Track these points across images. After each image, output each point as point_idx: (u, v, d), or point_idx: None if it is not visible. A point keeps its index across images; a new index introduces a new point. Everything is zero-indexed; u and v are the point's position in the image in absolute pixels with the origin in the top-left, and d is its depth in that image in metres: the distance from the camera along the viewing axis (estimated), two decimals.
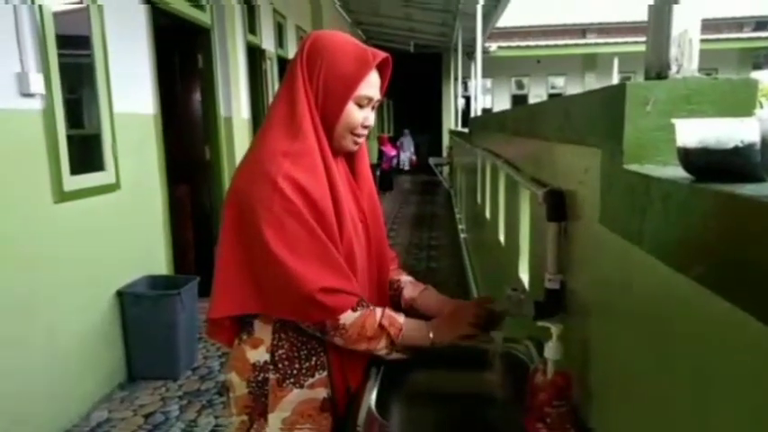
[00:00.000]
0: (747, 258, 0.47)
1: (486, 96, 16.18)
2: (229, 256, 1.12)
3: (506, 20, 11.17)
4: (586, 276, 1.03)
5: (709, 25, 13.29)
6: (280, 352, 1.14)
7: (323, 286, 1.05)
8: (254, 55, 5.38)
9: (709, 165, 0.60)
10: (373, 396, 1.18)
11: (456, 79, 12.14)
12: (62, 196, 2.59)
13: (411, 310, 1.31)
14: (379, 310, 1.13)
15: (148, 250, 3.46)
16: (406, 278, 1.40)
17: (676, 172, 0.66)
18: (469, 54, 11.55)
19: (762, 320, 0.44)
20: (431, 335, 1.17)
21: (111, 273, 3.04)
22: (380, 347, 1.14)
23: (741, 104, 0.74)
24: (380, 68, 1.19)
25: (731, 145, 0.59)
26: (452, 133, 10.60)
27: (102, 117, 2.98)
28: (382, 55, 1.16)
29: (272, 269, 1.06)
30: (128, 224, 3.20)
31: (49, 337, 2.55)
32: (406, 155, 15.87)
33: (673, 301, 0.65)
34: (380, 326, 1.12)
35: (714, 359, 0.56)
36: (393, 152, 13.27)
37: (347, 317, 1.09)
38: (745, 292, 0.47)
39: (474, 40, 7.47)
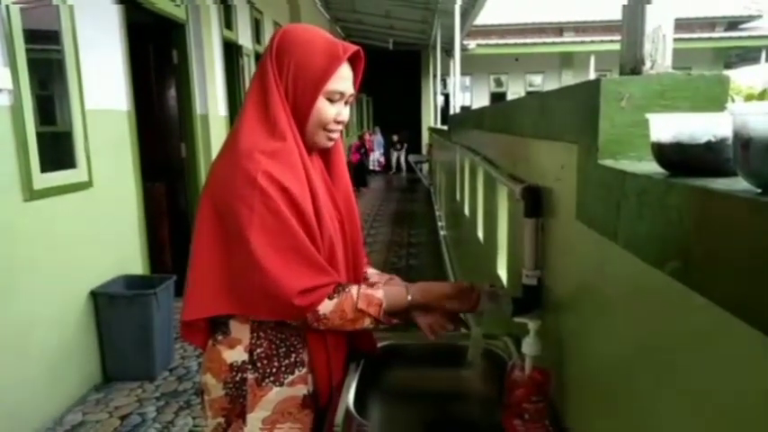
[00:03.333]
0: (720, 253, 0.47)
1: (465, 94, 16.25)
2: (204, 256, 1.10)
3: (485, 18, 11.23)
4: (563, 272, 1.04)
5: (681, 24, 13.53)
6: (258, 351, 1.13)
7: (301, 289, 1.04)
8: (231, 51, 5.31)
9: (683, 159, 0.61)
10: (351, 395, 1.18)
11: (435, 77, 12.16)
12: (32, 194, 2.52)
13: None
14: (354, 291, 1.12)
15: (123, 249, 3.39)
16: (372, 270, 1.39)
17: (651, 167, 0.66)
18: (448, 51, 11.60)
19: (736, 315, 0.44)
20: (408, 296, 1.17)
21: (84, 273, 2.97)
22: (366, 325, 1.13)
23: (714, 100, 0.74)
24: (353, 62, 1.17)
25: (704, 140, 0.60)
26: (432, 131, 10.62)
27: (73, 114, 2.90)
28: (353, 48, 1.14)
29: (252, 270, 1.04)
30: (102, 223, 3.13)
31: (20, 339, 2.48)
32: (375, 155, 14.91)
33: (649, 297, 0.65)
34: (359, 310, 1.11)
35: (689, 354, 0.56)
36: (357, 155, 12.71)
37: (325, 306, 1.08)
38: (718, 286, 0.47)
39: (453, 37, 7.49)
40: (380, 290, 1.15)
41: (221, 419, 1.15)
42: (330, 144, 1.19)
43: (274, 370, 1.13)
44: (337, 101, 1.14)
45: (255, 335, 1.13)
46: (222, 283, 1.08)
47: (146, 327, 3.03)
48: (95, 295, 3.01)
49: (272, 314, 1.10)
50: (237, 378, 1.13)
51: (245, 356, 1.13)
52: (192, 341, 1.21)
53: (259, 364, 1.12)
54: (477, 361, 1.25)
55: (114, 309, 3.02)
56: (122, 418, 2.73)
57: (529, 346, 1.02)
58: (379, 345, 1.38)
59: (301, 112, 1.11)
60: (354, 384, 1.22)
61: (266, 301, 1.06)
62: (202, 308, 1.12)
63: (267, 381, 1.12)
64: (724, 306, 0.46)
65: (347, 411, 1.12)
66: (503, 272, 1.90)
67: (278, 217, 1.03)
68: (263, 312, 1.09)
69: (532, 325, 1.04)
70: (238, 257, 1.05)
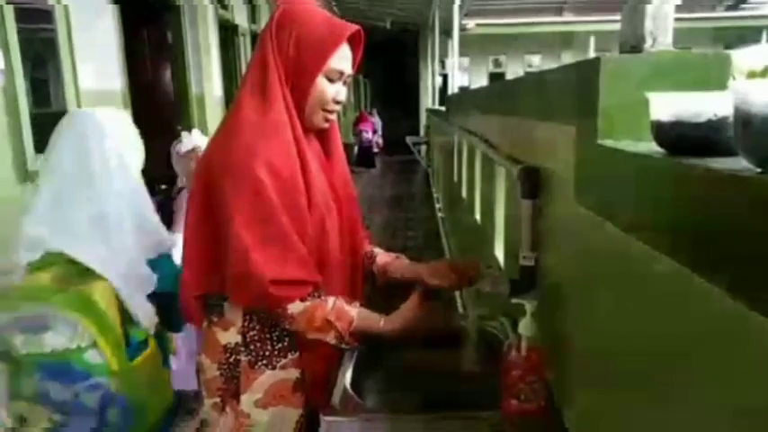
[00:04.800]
0: (719, 233, 0.46)
1: (464, 74, 16.10)
2: (195, 235, 1.11)
3: None
4: (561, 253, 1.03)
5: (682, 4, 13.33)
6: (251, 333, 1.13)
7: (277, 278, 1.04)
8: (227, 31, 5.25)
9: (683, 139, 0.60)
10: (348, 375, 1.18)
11: (433, 57, 12.04)
12: (27, 176, 2.51)
13: (384, 277, 1.31)
14: (330, 302, 1.11)
15: None
16: (378, 249, 1.40)
17: (650, 147, 0.65)
18: (447, 32, 11.46)
19: (736, 296, 0.44)
20: (381, 323, 1.16)
21: None
22: (329, 338, 1.12)
23: (714, 79, 0.73)
24: (352, 42, 1.15)
25: (704, 119, 0.59)
26: (430, 112, 10.55)
27: (67, 94, 2.88)
28: (353, 27, 1.12)
29: (233, 253, 1.04)
30: None
31: None
32: (374, 136, 14.31)
33: (647, 278, 0.65)
34: (327, 321, 1.10)
35: (688, 336, 0.56)
36: (370, 129, 12.75)
37: (294, 307, 1.08)
38: (718, 267, 0.47)
39: (451, 17, 7.40)
40: (356, 309, 1.14)
41: (217, 399, 1.16)
42: (327, 125, 1.18)
43: (267, 353, 1.13)
44: (336, 80, 1.13)
45: (248, 317, 1.13)
46: (211, 261, 1.09)
47: None
48: None
49: (244, 299, 1.10)
50: (231, 360, 1.14)
51: (239, 339, 1.13)
52: (189, 320, 1.22)
53: (252, 347, 1.13)
54: (473, 341, 1.25)
55: None
56: None
57: (525, 327, 1.02)
58: None
59: (301, 90, 1.10)
60: (351, 365, 1.22)
61: (240, 284, 1.07)
62: (193, 286, 1.13)
63: (260, 364, 1.13)
64: (724, 287, 0.45)
65: (344, 391, 1.13)
66: (500, 253, 1.89)
67: (266, 203, 1.03)
68: (235, 296, 1.10)
69: (529, 306, 1.03)
70: (224, 237, 1.06)
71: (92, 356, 1.22)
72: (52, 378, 1.21)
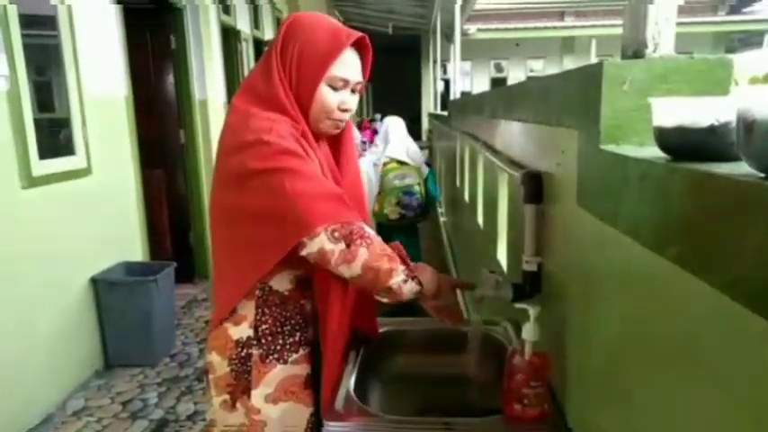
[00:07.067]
0: (721, 238, 0.46)
1: (466, 79, 16.12)
2: (233, 238, 1.11)
3: (485, 1, 11.09)
4: (564, 258, 1.03)
5: (683, 8, 13.32)
6: (263, 327, 1.14)
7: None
8: (229, 36, 5.26)
9: (685, 144, 0.60)
10: (352, 379, 1.18)
11: (435, 62, 12.05)
12: (31, 182, 2.51)
13: None
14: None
15: (123, 236, 3.39)
16: None
17: (653, 152, 0.65)
18: (449, 36, 11.48)
19: (737, 300, 0.44)
20: (423, 281, 1.11)
21: (84, 260, 2.97)
22: (398, 268, 1.06)
23: (717, 84, 0.73)
24: (362, 51, 1.16)
25: (707, 124, 0.59)
26: (432, 117, 10.56)
27: (71, 100, 2.89)
28: (356, 34, 1.12)
29: (285, 197, 1.00)
30: (101, 209, 3.12)
31: (22, 326, 2.49)
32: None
33: (650, 283, 0.65)
34: (387, 252, 1.07)
35: (690, 340, 0.56)
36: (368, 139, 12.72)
37: (369, 228, 1.06)
38: (720, 272, 0.47)
39: (453, 21, 7.41)
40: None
41: (227, 396, 1.16)
42: (337, 131, 1.19)
43: (278, 347, 1.14)
44: (341, 88, 1.13)
45: (260, 311, 1.14)
46: (239, 261, 1.10)
47: (146, 313, 3.04)
48: (96, 282, 3.01)
49: (325, 216, 1.01)
50: (243, 354, 1.14)
51: (251, 332, 1.14)
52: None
53: (264, 341, 1.14)
54: (476, 346, 1.25)
55: (115, 295, 3.03)
56: (124, 403, 2.74)
57: (529, 331, 1.02)
58: (380, 330, 1.38)
59: (304, 98, 1.11)
60: (355, 370, 1.22)
61: (316, 208, 1.01)
62: (247, 282, 1.12)
63: (271, 358, 1.14)
64: (725, 291, 0.46)
65: (347, 395, 1.13)
66: (503, 258, 1.89)
67: (294, 160, 1.02)
68: (315, 218, 1.01)
69: (532, 311, 1.04)
70: (260, 200, 1.03)
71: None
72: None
